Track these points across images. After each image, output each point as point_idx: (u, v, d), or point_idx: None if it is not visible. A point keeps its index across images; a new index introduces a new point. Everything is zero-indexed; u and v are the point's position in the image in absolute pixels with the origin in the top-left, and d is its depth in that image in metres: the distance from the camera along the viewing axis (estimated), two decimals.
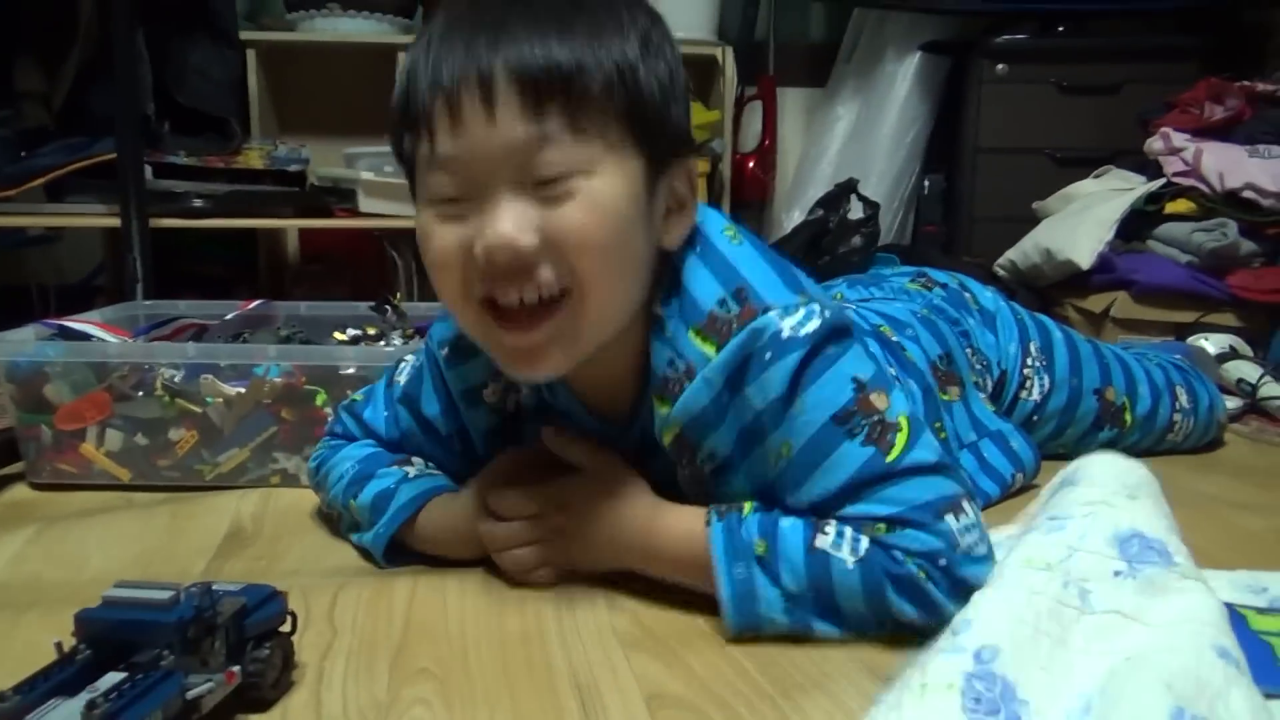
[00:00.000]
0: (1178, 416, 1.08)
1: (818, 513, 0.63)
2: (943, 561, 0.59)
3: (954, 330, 0.96)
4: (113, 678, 0.47)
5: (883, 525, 0.60)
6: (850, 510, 0.61)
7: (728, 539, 0.62)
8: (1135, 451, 1.06)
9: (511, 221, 0.58)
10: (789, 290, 0.64)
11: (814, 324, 0.62)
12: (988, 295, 1.05)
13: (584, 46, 0.58)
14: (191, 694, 0.48)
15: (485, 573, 0.72)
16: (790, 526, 0.62)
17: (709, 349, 0.63)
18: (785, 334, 0.62)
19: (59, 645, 0.50)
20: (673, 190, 0.65)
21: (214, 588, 0.53)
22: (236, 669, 0.51)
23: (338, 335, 1.16)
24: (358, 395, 0.86)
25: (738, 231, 0.69)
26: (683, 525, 0.66)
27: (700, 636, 0.63)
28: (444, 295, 0.64)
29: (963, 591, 0.57)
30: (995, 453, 0.92)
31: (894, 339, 0.88)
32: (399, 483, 0.75)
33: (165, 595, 0.50)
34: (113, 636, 0.50)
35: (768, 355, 0.62)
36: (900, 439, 0.62)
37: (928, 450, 0.62)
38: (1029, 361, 1.01)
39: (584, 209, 0.59)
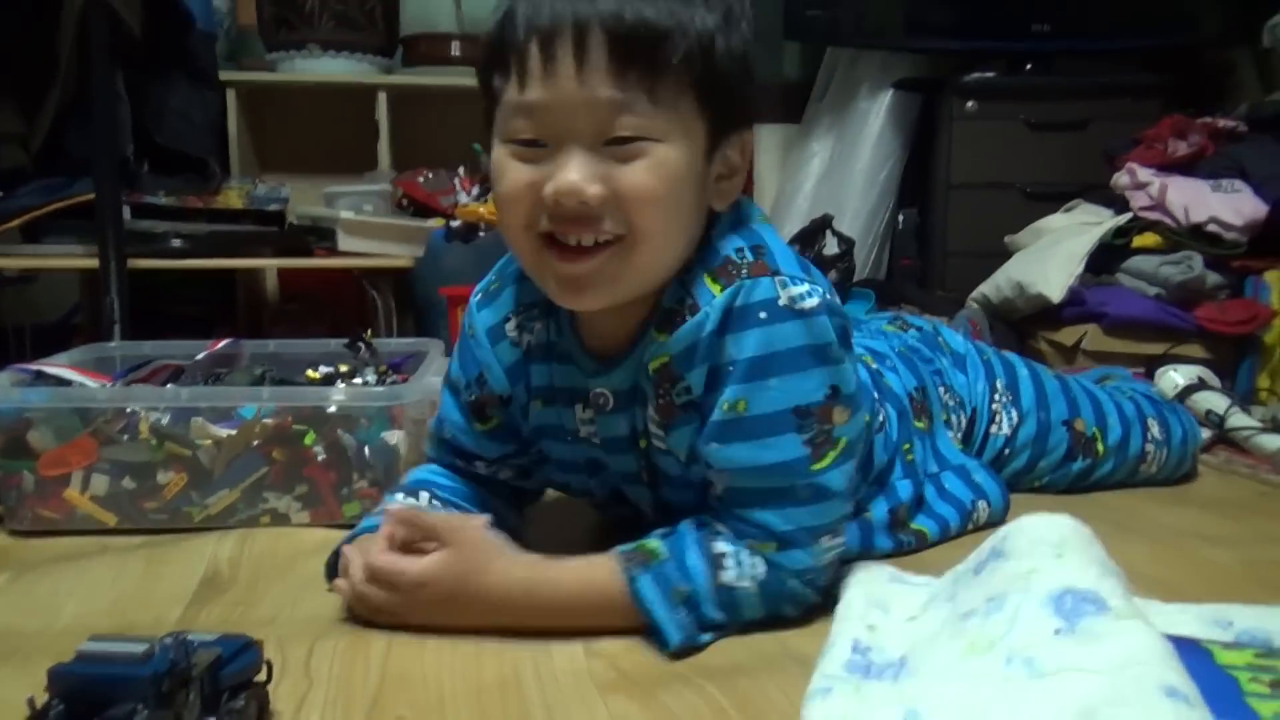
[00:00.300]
0: (1150, 447, 1.10)
1: (730, 491, 0.69)
2: (813, 577, 0.71)
3: (928, 368, 1.00)
4: None
5: (774, 544, 0.68)
6: (755, 515, 0.68)
7: (662, 591, 0.66)
8: (1110, 484, 1.09)
9: (581, 173, 0.63)
10: (800, 270, 0.70)
11: (813, 301, 0.67)
12: (958, 339, 1.09)
13: (674, 14, 0.62)
14: None
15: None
16: (694, 564, 0.68)
17: (716, 289, 0.68)
18: (781, 301, 0.67)
19: (31, 701, 0.49)
20: (727, 158, 0.70)
21: (189, 639, 0.53)
22: None
23: (310, 373, 1.16)
24: None
25: (769, 221, 0.75)
26: (576, 576, 0.69)
27: (677, 678, 0.63)
28: (507, 225, 0.69)
29: (826, 593, 0.72)
30: (956, 483, 0.94)
31: (874, 367, 0.93)
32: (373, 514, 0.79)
33: (139, 649, 0.50)
34: (86, 692, 0.49)
35: (761, 315, 0.67)
36: (831, 455, 0.69)
37: (841, 477, 0.70)
38: (996, 398, 1.04)
39: (649, 171, 0.64)
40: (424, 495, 0.81)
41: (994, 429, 1.03)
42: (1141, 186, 1.72)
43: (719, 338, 0.68)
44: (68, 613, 0.76)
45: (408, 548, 0.70)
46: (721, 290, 0.68)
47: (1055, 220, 1.90)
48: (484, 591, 0.68)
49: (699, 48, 0.63)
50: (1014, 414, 1.04)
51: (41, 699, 0.50)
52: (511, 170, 0.66)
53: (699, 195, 0.68)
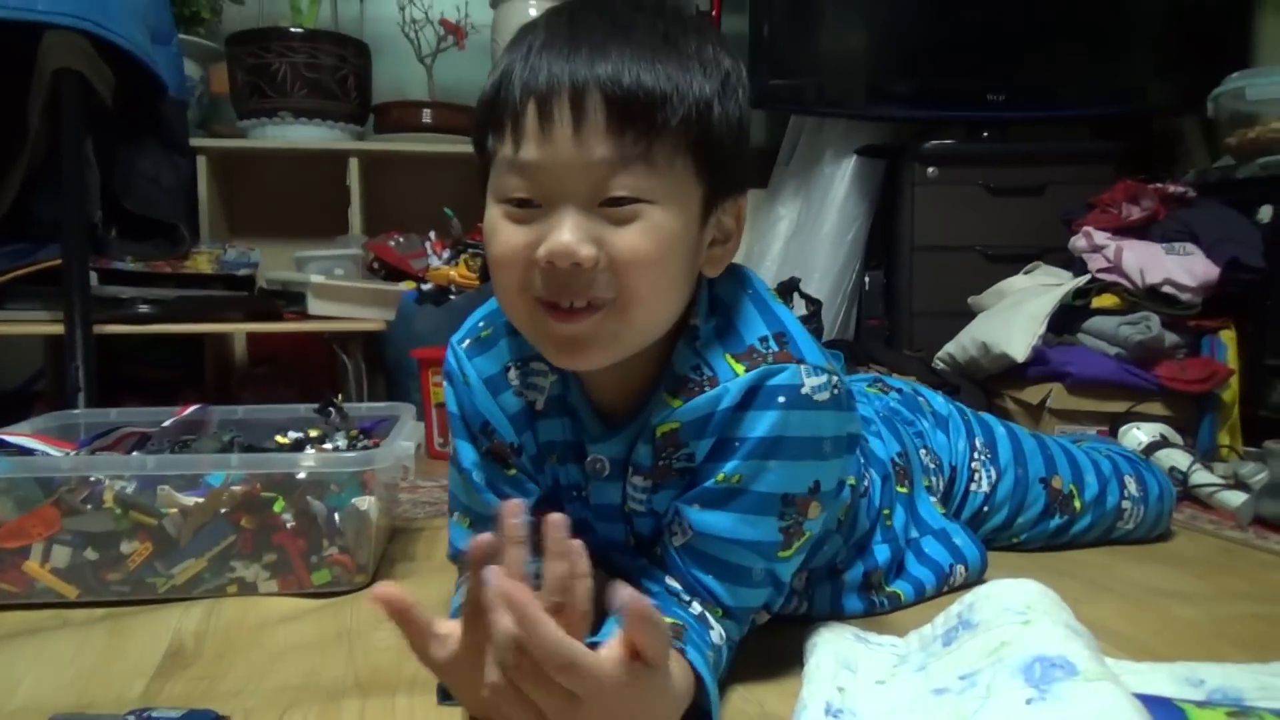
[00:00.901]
0: (1127, 504, 1.12)
1: (691, 550, 0.70)
2: (738, 640, 0.73)
3: (909, 430, 1.02)
4: None
5: (719, 611, 0.70)
6: (707, 580, 0.70)
7: (703, 658, 0.64)
8: (1087, 540, 1.11)
9: (575, 234, 0.62)
10: (821, 357, 0.71)
11: (825, 395, 0.68)
12: (939, 400, 1.11)
13: (671, 79, 0.63)
14: None
15: (435, 688, 0.71)
16: (701, 629, 0.67)
17: (739, 369, 0.69)
18: (804, 390, 0.68)
19: None
20: (721, 223, 0.70)
21: (152, 716, 0.52)
22: None
23: (280, 439, 1.15)
24: None
25: (777, 295, 0.76)
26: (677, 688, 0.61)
27: None
28: (500, 287, 0.68)
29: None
30: (936, 547, 0.95)
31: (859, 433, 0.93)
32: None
33: None
34: None
35: (780, 399, 0.67)
36: (796, 545, 0.71)
37: (792, 568, 0.73)
38: (975, 455, 1.06)
39: (643, 234, 0.63)
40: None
41: (973, 486, 1.05)
42: (1098, 249, 1.77)
43: (735, 412, 0.68)
44: (23, 691, 0.74)
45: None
46: (745, 371, 0.68)
47: (1016, 281, 1.94)
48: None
49: (696, 112, 0.63)
50: (992, 471, 1.06)
51: None
52: (504, 231, 0.65)
53: (691, 260, 0.68)
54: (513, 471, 0.78)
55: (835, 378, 0.70)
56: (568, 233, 0.62)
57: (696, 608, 0.69)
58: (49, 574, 0.92)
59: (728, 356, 0.69)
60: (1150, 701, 0.57)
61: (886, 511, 0.92)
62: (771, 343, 0.70)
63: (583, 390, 0.76)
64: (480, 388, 0.77)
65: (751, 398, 0.68)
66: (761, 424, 0.67)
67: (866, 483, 0.89)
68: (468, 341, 0.79)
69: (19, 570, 0.91)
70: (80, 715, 0.51)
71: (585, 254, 0.62)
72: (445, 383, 0.82)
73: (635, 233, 0.63)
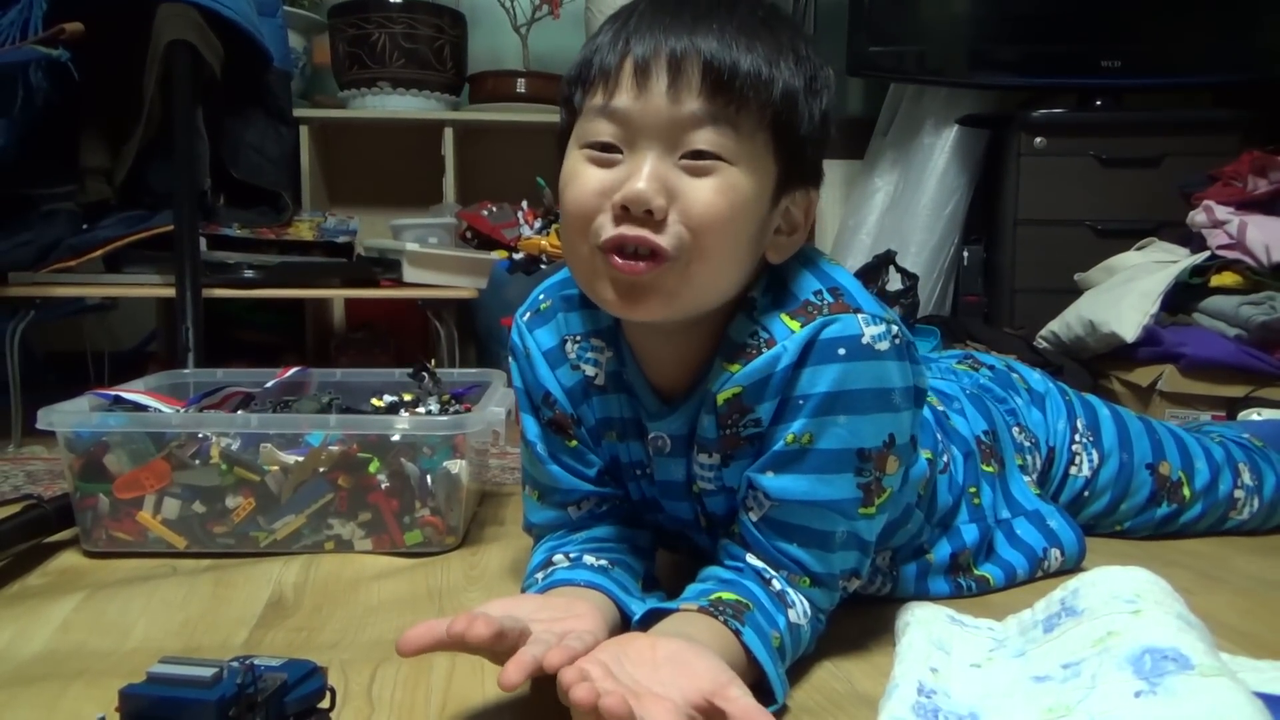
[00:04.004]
0: (1240, 493, 1.06)
1: (770, 521, 0.68)
2: (831, 609, 0.72)
3: (1000, 408, 0.98)
4: None
5: (807, 580, 0.69)
6: (791, 550, 0.69)
7: (763, 641, 0.64)
8: (1197, 530, 1.06)
9: (652, 184, 0.63)
10: (879, 308, 0.69)
11: (886, 344, 0.67)
12: (1036, 377, 1.06)
13: (764, 61, 0.64)
14: None
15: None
16: (772, 607, 0.67)
17: (794, 325, 0.68)
18: (864, 339, 0.66)
19: None
20: (789, 213, 0.70)
21: (255, 664, 0.53)
22: None
23: (375, 402, 1.18)
24: None
25: (837, 263, 0.75)
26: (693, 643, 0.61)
27: None
28: (568, 231, 0.68)
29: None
30: (1029, 529, 0.91)
31: (940, 408, 0.91)
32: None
33: (208, 673, 0.51)
34: (155, 714, 0.51)
35: (840, 351, 0.66)
36: (878, 502, 0.69)
37: (876, 527, 0.71)
38: (1076, 438, 1.01)
39: (717, 189, 0.64)
40: (558, 556, 0.76)
41: (1073, 470, 1.00)
42: (1219, 224, 1.67)
43: (795, 370, 0.67)
44: (137, 633, 0.78)
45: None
46: (801, 327, 0.67)
47: (1128, 258, 1.85)
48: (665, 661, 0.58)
49: (783, 94, 0.65)
50: (1095, 455, 1.01)
51: (113, 718, 0.51)
52: (583, 174, 0.66)
53: (758, 234, 0.68)
54: (574, 443, 0.79)
55: (895, 327, 0.68)
56: (644, 180, 0.63)
57: (777, 585, 0.68)
58: (160, 524, 0.96)
59: (783, 316, 0.69)
60: (1272, 702, 0.54)
61: (973, 489, 0.88)
62: (826, 295, 0.69)
63: (639, 367, 0.75)
64: (539, 359, 0.78)
65: (809, 353, 0.67)
66: (823, 379, 0.66)
67: (946, 459, 0.86)
68: (529, 314, 0.80)
69: (133, 520, 0.96)
70: (188, 659, 0.53)
71: (659, 204, 0.63)
72: (509, 358, 0.82)
73: (710, 188, 0.64)
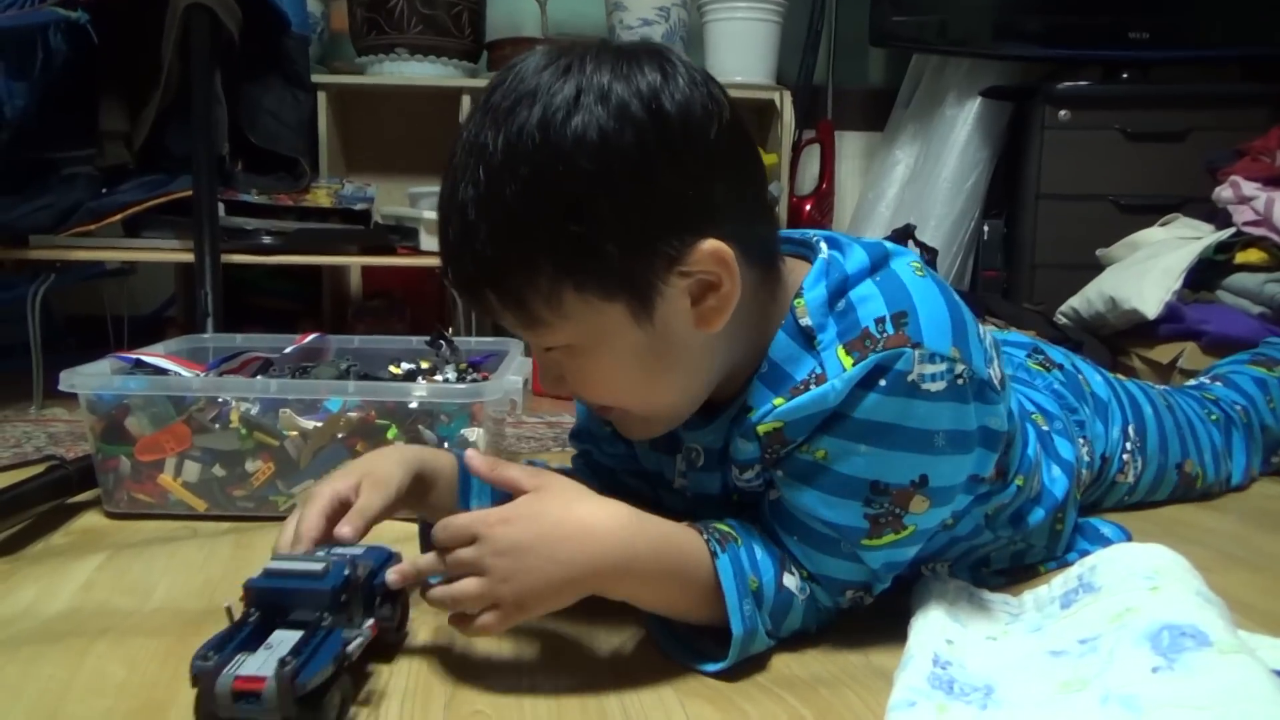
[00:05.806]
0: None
1: (783, 509, 0.67)
2: (831, 609, 0.70)
3: (1072, 419, 0.94)
4: (283, 635, 0.55)
5: (806, 574, 0.68)
6: (792, 545, 0.67)
7: (737, 573, 0.63)
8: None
9: (546, 379, 0.68)
10: (946, 341, 0.63)
11: (940, 385, 0.62)
12: (1099, 380, 1.02)
13: (506, 244, 0.59)
14: (350, 647, 0.57)
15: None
16: (764, 559, 0.66)
17: (848, 362, 0.62)
18: (911, 376, 0.62)
19: (229, 611, 0.58)
20: (682, 290, 0.61)
21: (337, 551, 0.62)
22: (373, 621, 0.61)
23: (393, 369, 1.18)
24: None
25: (925, 269, 0.68)
26: (665, 530, 0.63)
27: (758, 688, 0.62)
28: None
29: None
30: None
31: (1045, 428, 0.87)
32: None
33: (318, 566, 0.60)
34: (276, 601, 0.58)
35: (881, 382, 0.62)
36: (889, 537, 0.66)
37: (887, 558, 0.67)
38: (1127, 445, 1.01)
39: (586, 372, 0.65)
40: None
41: (1120, 477, 1.01)
42: (1246, 200, 1.65)
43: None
44: (159, 593, 0.79)
45: None
46: (854, 364, 0.62)
47: (1152, 234, 1.83)
48: (576, 530, 0.60)
49: (552, 260, 0.58)
50: (1140, 461, 1.02)
51: (238, 609, 0.59)
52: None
53: (671, 345, 0.63)
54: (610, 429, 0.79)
55: (961, 365, 0.63)
56: (541, 380, 0.69)
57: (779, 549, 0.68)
58: (181, 487, 0.97)
59: (840, 349, 0.63)
60: None
61: (1060, 515, 0.83)
62: (888, 325, 0.62)
63: None
64: None
65: (854, 389, 0.62)
66: (857, 405, 0.62)
67: (1037, 484, 0.80)
68: None
69: (155, 482, 0.97)
70: (295, 555, 0.63)
71: (562, 391, 0.67)
72: None
73: (582, 371, 0.65)
